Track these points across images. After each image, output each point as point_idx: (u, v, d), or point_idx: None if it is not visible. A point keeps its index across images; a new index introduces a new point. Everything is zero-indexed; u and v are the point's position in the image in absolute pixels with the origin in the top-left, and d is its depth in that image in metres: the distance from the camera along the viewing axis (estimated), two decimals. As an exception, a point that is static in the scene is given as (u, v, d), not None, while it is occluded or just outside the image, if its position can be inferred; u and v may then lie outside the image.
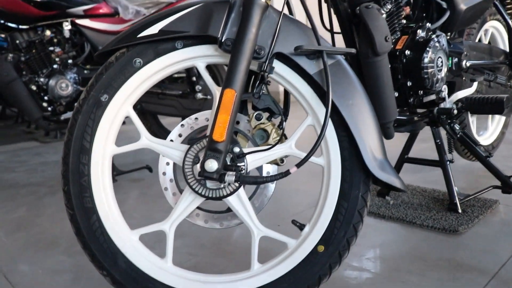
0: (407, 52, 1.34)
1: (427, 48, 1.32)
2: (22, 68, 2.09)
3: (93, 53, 2.25)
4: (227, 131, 0.94)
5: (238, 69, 0.95)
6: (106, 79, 1.03)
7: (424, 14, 1.50)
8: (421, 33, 1.38)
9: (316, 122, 1.03)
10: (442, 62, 1.38)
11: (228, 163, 0.99)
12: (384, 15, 1.26)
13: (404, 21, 1.41)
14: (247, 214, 1.04)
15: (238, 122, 1.08)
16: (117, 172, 2.31)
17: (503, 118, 2.14)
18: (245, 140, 1.10)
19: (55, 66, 2.15)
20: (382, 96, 1.22)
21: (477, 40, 1.91)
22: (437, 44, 1.35)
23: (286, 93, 1.15)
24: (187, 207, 1.05)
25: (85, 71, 2.23)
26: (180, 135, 1.09)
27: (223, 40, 0.98)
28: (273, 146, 1.00)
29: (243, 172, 0.99)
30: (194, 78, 2.47)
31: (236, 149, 1.00)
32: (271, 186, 1.11)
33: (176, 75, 2.47)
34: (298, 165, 0.95)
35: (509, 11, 1.81)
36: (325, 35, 1.19)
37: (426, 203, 1.71)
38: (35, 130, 4.40)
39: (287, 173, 0.95)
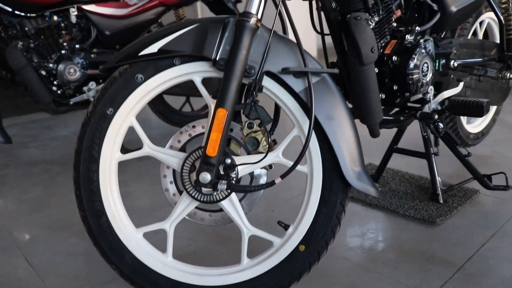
0: (394, 58, 1.41)
1: (413, 55, 1.39)
2: (31, 54, 2.18)
3: (100, 37, 2.32)
4: (219, 147, 1.05)
5: (230, 89, 1.05)
6: (111, 93, 1.13)
7: (416, 15, 1.55)
8: (409, 38, 1.44)
9: (301, 133, 1.13)
10: (427, 67, 1.45)
11: (221, 172, 1.11)
12: (373, 25, 1.33)
13: (395, 24, 1.47)
14: (237, 216, 1.17)
15: (231, 130, 1.18)
16: (124, 151, 2.43)
17: (495, 106, 2.21)
18: (238, 146, 1.21)
19: (63, 51, 2.23)
20: (367, 101, 1.30)
21: (471, 33, 1.95)
22: (423, 51, 1.42)
23: (277, 104, 1.24)
24: (185, 208, 1.17)
25: (92, 55, 2.31)
26: (179, 141, 1.20)
27: (217, 59, 1.07)
28: (262, 159, 1.11)
29: (234, 180, 1.11)
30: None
31: (228, 161, 1.11)
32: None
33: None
34: (283, 176, 1.06)
35: (503, 5, 1.84)
36: (317, 37, 1.26)
37: (412, 192, 1.82)
38: (45, 100, 4.52)
39: (272, 183, 1.07)
